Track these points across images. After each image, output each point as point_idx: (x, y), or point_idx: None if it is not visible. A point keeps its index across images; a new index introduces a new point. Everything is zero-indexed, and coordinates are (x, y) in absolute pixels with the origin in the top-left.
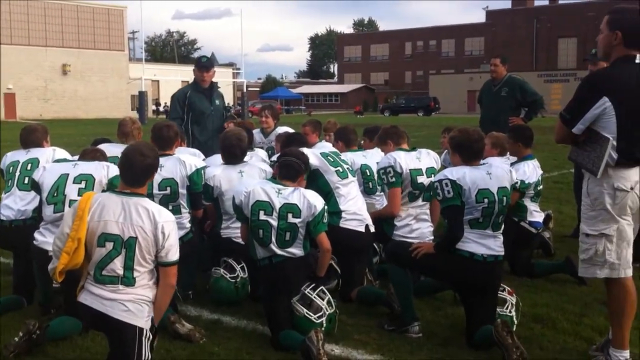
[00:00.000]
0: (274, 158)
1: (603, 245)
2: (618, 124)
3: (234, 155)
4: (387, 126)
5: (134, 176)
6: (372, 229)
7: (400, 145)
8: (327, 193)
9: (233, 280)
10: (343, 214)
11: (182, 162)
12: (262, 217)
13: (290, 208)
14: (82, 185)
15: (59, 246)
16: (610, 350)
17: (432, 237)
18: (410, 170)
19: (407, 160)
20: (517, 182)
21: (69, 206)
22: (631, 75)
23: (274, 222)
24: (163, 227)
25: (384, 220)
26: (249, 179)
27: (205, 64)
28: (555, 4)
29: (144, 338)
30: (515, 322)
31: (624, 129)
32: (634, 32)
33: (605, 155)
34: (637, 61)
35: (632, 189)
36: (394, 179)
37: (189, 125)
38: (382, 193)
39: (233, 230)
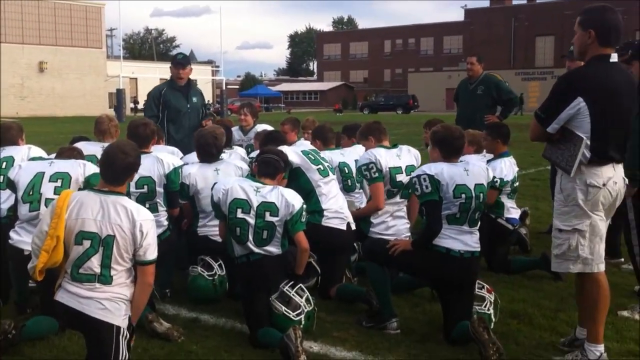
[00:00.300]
0: (253, 155)
1: (576, 240)
2: (592, 123)
3: (210, 154)
4: (370, 122)
5: (114, 174)
6: (354, 227)
7: (382, 142)
8: (309, 191)
9: (211, 278)
10: (325, 212)
11: (159, 160)
12: (240, 215)
13: (268, 206)
14: (58, 183)
15: (38, 244)
16: (585, 344)
17: (409, 234)
18: (390, 168)
19: (387, 158)
20: (496, 181)
21: (45, 205)
22: (606, 74)
23: (252, 221)
24: (141, 225)
25: (361, 217)
26: (225, 177)
27: (180, 61)
28: (533, 3)
29: (121, 337)
30: (494, 319)
31: (597, 129)
32: (606, 30)
33: (579, 154)
34: (611, 60)
35: (604, 185)
36: (376, 175)
37: (165, 124)
38: (361, 190)
39: (210, 228)
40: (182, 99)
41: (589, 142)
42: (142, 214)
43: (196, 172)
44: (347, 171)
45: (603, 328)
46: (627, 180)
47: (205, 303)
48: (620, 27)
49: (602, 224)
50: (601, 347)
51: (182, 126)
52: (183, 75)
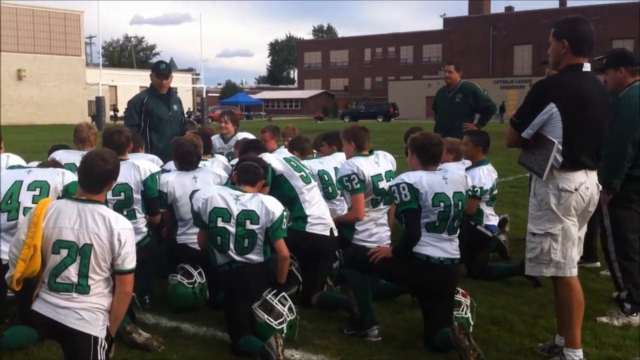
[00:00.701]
0: (234, 162)
1: (548, 244)
2: (564, 129)
3: (189, 162)
4: (359, 127)
5: (93, 181)
6: (336, 233)
7: (361, 150)
8: (293, 198)
9: (191, 286)
10: (309, 219)
11: (136, 167)
12: (220, 224)
13: (248, 215)
14: (37, 192)
15: (15, 254)
16: (564, 350)
17: (390, 242)
18: (372, 177)
19: (368, 166)
20: (476, 190)
21: (24, 214)
22: (578, 83)
23: (232, 229)
24: (119, 234)
25: (344, 224)
26: (204, 185)
27: (164, 72)
28: (511, 12)
29: (99, 347)
30: (472, 323)
31: (569, 134)
32: (579, 41)
33: (551, 158)
34: (584, 69)
35: (576, 190)
36: (358, 186)
37: (147, 132)
38: (342, 198)
39: (189, 236)
40: (164, 107)
41: (560, 147)
42: (120, 222)
43: (174, 180)
44: (327, 179)
45: (580, 332)
46: (600, 187)
47: (185, 311)
48: (593, 37)
49: (575, 228)
50: (579, 353)
51: (164, 134)
52: (166, 84)
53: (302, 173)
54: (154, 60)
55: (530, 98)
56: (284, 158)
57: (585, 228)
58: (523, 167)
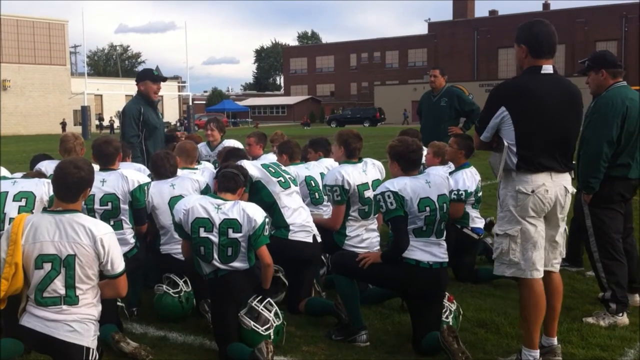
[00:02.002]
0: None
1: (507, 244)
2: (516, 131)
3: (163, 174)
4: (354, 132)
5: (67, 190)
6: (319, 239)
7: (351, 158)
8: (272, 204)
9: (177, 296)
10: (291, 227)
11: (124, 177)
12: (203, 234)
13: (230, 223)
14: (22, 203)
15: None
16: (522, 349)
17: (379, 247)
18: (357, 185)
19: (355, 175)
20: (461, 194)
21: (10, 224)
22: (534, 84)
23: (215, 239)
24: (102, 240)
25: (335, 230)
26: (182, 192)
27: (160, 77)
28: (495, 16)
29: (90, 357)
30: (457, 327)
31: (522, 136)
32: (537, 43)
33: (502, 159)
34: (544, 71)
35: (533, 192)
36: (339, 198)
37: (143, 141)
38: (328, 203)
39: (172, 246)
40: (155, 115)
41: (514, 149)
42: (100, 229)
43: (152, 189)
44: (313, 185)
45: (538, 334)
46: (570, 188)
47: (173, 321)
48: (551, 38)
49: (536, 231)
50: (536, 353)
51: (157, 142)
52: (158, 91)
53: (281, 178)
54: (140, 68)
55: (487, 102)
56: (262, 164)
57: (561, 231)
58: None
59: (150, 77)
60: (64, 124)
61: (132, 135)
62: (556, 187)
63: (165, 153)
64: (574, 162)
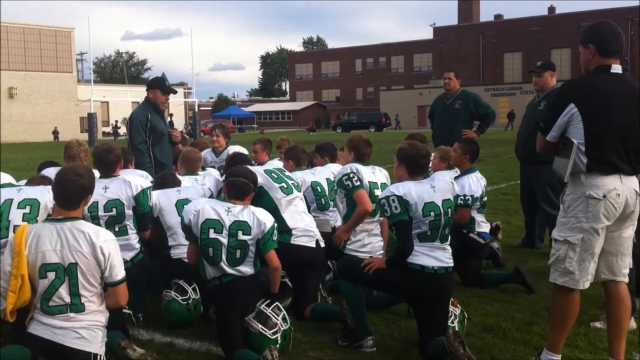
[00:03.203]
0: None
1: (565, 252)
2: (585, 130)
3: (169, 186)
4: (364, 139)
5: (68, 197)
6: (322, 244)
7: (362, 161)
8: (273, 209)
9: (185, 302)
10: (293, 231)
11: (127, 182)
12: (212, 235)
13: (240, 225)
14: (27, 210)
15: (4, 287)
16: (544, 351)
17: (383, 252)
18: (369, 182)
19: (366, 172)
20: (467, 199)
21: (14, 232)
22: (602, 83)
23: (224, 240)
24: (102, 248)
25: (368, 213)
26: (186, 192)
27: (171, 89)
28: (500, 20)
29: None
30: (462, 332)
31: (591, 135)
32: (604, 43)
33: (571, 159)
34: (612, 71)
35: (605, 197)
36: (358, 183)
37: (150, 148)
38: (334, 209)
39: (183, 250)
40: (162, 122)
41: (583, 148)
42: (101, 236)
43: (158, 193)
44: (319, 190)
45: (564, 340)
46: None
47: (180, 327)
48: (619, 38)
49: (597, 240)
50: (557, 357)
51: (164, 148)
52: (166, 101)
53: (283, 184)
54: (146, 75)
55: (553, 101)
56: (265, 170)
57: (629, 240)
58: (555, 173)
59: (161, 87)
60: (55, 133)
61: (140, 141)
62: (626, 190)
63: (169, 174)
64: None
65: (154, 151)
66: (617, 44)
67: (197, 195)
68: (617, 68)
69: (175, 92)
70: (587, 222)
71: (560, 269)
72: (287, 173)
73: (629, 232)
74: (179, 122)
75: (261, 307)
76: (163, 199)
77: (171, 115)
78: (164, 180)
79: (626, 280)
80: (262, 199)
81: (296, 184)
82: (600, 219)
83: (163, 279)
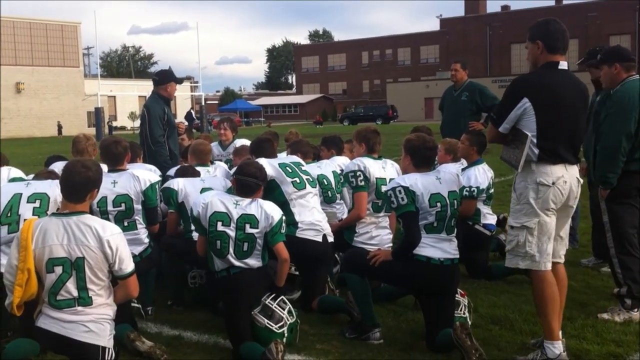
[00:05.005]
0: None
1: (524, 237)
2: (537, 123)
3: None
4: (371, 129)
5: (75, 189)
6: (331, 239)
7: (372, 153)
8: (283, 203)
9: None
10: (299, 224)
11: (135, 177)
12: (220, 227)
13: (248, 219)
14: (37, 204)
15: (11, 280)
16: (544, 342)
17: (391, 244)
18: (376, 178)
19: (375, 168)
20: (473, 190)
21: None
22: (552, 79)
23: (232, 233)
24: (109, 242)
25: (362, 218)
26: (211, 184)
27: (181, 79)
28: (507, 11)
29: (107, 357)
30: (470, 322)
31: (543, 128)
32: (552, 39)
33: (525, 150)
34: (560, 67)
35: (553, 183)
36: (362, 183)
37: (166, 140)
38: (341, 201)
39: None
40: (172, 115)
41: (535, 140)
42: (107, 230)
43: (184, 182)
44: (326, 183)
45: (558, 325)
46: (581, 180)
47: (188, 319)
48: (565, 35)
49: (552, 223)
50: (559, 344)
51: (175, 141)
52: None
53: (296, 179)
54: (152, 69)
55: (506, 94)
56: (279, 164)
57: (568, 225)
58: (504, 162)
59: (175, 79)
60: (59, 127)
61: (160, 134)
62: (571, 178)
63: (189, 167)
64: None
65: (168, 143)
66: (563, 41)
67: (219, 185)
68: (564, 64)
69: (181, 81)
70: (539, 207)
71: (521, 254)
72: (304, 168)
73: (568, 219)
74: (181, 117)
75: (266, 302)
76: (189, 186)
77: (191, 108)
78: (184, 172)
79: (562, 261)
80: (274, 192)
81: (311, 180)
82: (549, 204)
83: (172, 262)
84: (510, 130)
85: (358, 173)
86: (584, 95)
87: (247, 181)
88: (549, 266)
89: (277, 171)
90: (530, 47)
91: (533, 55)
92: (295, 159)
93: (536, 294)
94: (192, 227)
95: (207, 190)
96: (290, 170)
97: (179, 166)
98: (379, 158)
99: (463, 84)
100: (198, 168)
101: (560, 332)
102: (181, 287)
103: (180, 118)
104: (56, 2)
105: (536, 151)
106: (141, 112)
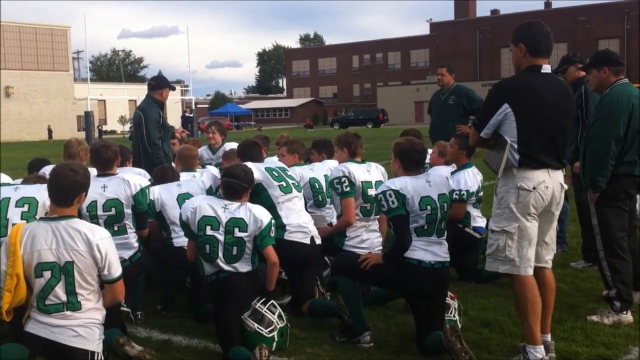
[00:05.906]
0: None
1: (504, 241)
2: (518, 129)
3: (170, 180)
4: (352, 133)
5: (62, 193)
6: (318, 241)
7: (355, 157)
8: (270, 207)
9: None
10: (287, 227)
11: (126, 181)
12: (209, 232)
13: (236, 222)
14: (25, 208)
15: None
16: (525, 347)
17: (381, 247)
18: (362, 182)
19: (359, 172)
20: (463, 194)
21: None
22: (533, 83)
23: (221, 237)
24: (98, 246)
25: (351, 224)
26: (188, 189)
27: (175, 86)
28: (497, 15)
29: None
30: (460, 325)
31: (524, 133)
32: (536, 42)
33: (505, 156)
34: (543, 71)
35: (534, 188)
36: (348, 189)
37: (161, 144)
38: (331, 205)
39: (185, 239)
40: (165, 118)
41: (515, 146)
42: (96, 234)
43: (159, 189)
44: (317, 187)
45: (538, 329)
46: (565, 186)
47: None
48: (549, 38)
49: (533, 228)
50: (540, 348)
51: (168, 143)
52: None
53: (282, 183)
54: (143, 73)
55: (488, 99)
56: (266, 167)
57: (553, 230)
58: (486, 165)
59: (169, 86)
60: (50, 131)
61: (157, 137)
62: (553, 183)
63: (168, 167)
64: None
65: (163, 146)
66: (547, 44)
67: (197, 188)
68: (547, 68)
69: (174, 87)
70: (519, 212)
71: (501, 258)
72: (290, 172)
73: (553, 224)
74: (176, 119)
75: (256, 306)
76: (165, 194)
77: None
78: (164, 173)
79: (549, 266)
80: (261, 196)
81: (297, 184)
82: (530, 209)
83: (160, 267)
84: (491, 135)
85: (343, 179)
86: (568, 99)
87: (234, 183)
88: (530, 271)
89: (264, 175)
90: (513, 50)
91: (517, 58)
92: (280, 164)
93: (517, 298)
94: (172, 235)
95: (184, 195)
96: (276, 174)
97: (159, 167)
98: (363, 162)
99: (450, 87)
100: (184, 174)
101: (549, 335)
102: (169, 292)
103: (171, 122)
104: (46, 5)
105: (517, 157)
106: (135, 115)
